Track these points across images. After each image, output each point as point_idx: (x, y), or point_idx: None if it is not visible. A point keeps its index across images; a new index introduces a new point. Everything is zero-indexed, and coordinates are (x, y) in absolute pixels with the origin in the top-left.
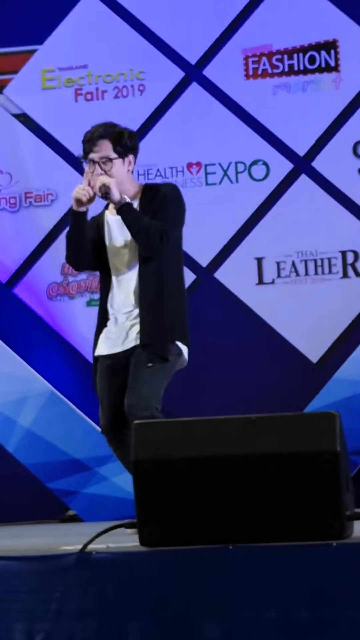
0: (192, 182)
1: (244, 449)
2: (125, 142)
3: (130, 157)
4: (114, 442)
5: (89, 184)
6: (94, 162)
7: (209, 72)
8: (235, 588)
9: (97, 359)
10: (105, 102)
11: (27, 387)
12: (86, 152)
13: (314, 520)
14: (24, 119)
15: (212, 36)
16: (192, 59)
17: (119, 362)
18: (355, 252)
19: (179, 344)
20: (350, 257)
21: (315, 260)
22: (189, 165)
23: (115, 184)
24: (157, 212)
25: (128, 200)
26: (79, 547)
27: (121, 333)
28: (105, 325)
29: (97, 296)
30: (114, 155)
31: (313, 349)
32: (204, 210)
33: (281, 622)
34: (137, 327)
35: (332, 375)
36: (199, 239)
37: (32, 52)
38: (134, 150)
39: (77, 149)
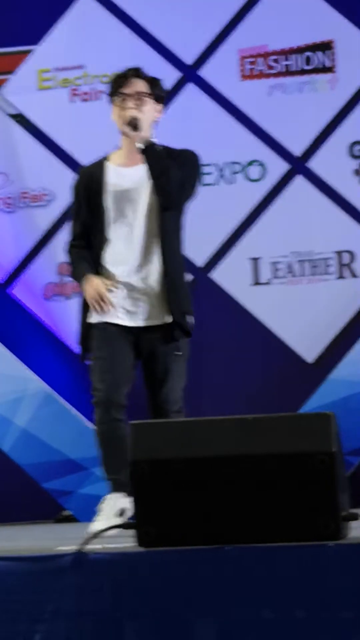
0: None
1: (240, 450)
2: (161, 88)
3: (160, 106)
4: (108, 416)
5: (117, 117)
6: (125, 97)
7: (205, 72)
8: (231, 588)
9: (98, 325)
10: (101, 103)
11: (23, 387)
12: (116, 87)
13: (309, 521)
14: (20, 119)
15: (208, 37)
16: (188, 60)
17: (133, 337)
18: (351, 253)
19: (190, 316)
20: (346, 258)
21: (311, 261)
22: None
23: (147, 121)
24: (179, 165)
25: (154, 139)
26: (75, 547)
27: (142, 305)
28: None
29: None
30: (148, 92)
31: (309, 349)
32: (199, 211)
33: (277, 623)
34: (163, 300)
35: (328, 376)
36: (195, 240)
37: (28, 52)
38: (164, 103)
39: (73, 149)
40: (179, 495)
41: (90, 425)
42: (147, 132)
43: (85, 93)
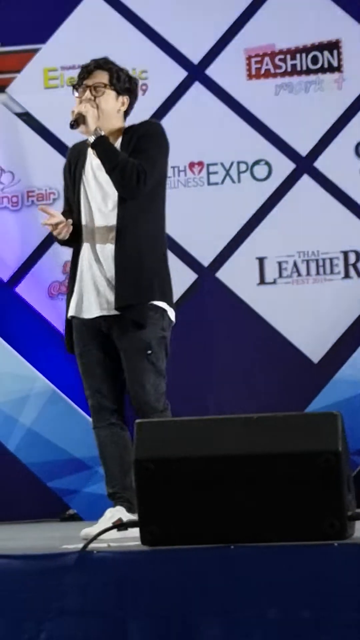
0: (194, 182)
1: (245, 449)
2: (124, 80)
3: (125, 97)
4: (104, 421)
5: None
6: (85, 88)
7: (211, 71)
8: (236, 588)
9: (73, 322)
10: None
11: (28, 386)
12: (79, 80)
13: (315, 520)
14: (27, 117)
15: (215, 36)
16: (195, 59)
17: (98, 327)
18: (357, 253)
19: (159, 303)
20: (352, 258)
21: (317, 261)
22: (191, 165)
23: (94, 115)
24: (136, 150)
25: (103, 133)
26: (80, 546)
27: (101, 295)
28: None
29: None
30: (106, 83)
31: (314, 349)
32: (205, 210)
33: (282, 623)
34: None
35: (334, 375)
36: (201, 239)
37: (35, 51)
38: (131, 94)
39: None
40: (183, 494)
41: None
42: (93, 125)
43: None
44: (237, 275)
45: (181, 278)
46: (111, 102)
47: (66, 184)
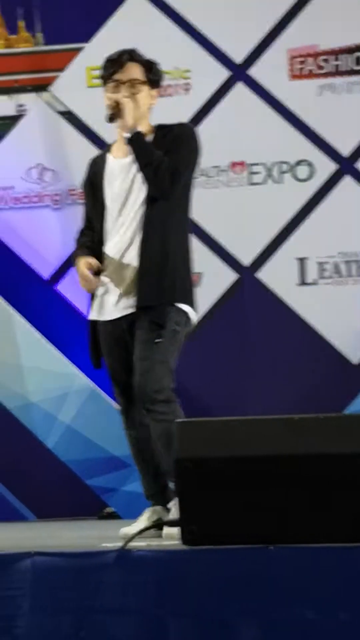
0: (236, 182)
1: (286, 449)
2: (156, 71)
3: (155, 91)
4: (129, 421)
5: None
6: (119, 84)
7: (254, 71)
8: (275, 589)
9: (95, 323)
10: None
11: (67, 384)
12: (110, 73)
13: (355, 522)
14: (69, 116)
15: (258, 36)
16: (238, 59)
17: (120, 328)
18: None
19: (181, 305)
20: None
21: (358, 262)
22: (233, 165)
23: (132, 109)
24: (169, 152)
25: (140, 129)
26: (119, 544)
27: (125, 297)
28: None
29: None
30: (143, 78)
31: (354, 350)
32: (247, 210)
33: (321, 624)
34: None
35: None
36: (242, 238)
37: (79, 50)
38: (159, 87)
39: None
40: (224, 494)
41: None
42: (131, 120)
43: None
44: (277, 276)
45: (222, 278)
46: (146, 98)
47: (87, 198)
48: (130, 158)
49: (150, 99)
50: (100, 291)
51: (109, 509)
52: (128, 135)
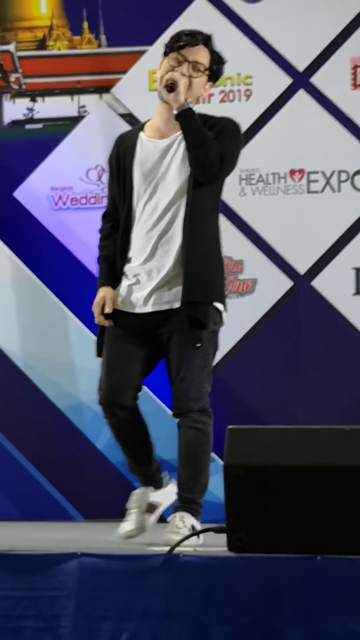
0: (294, 189)
1: (336, 460)
2: (220, 67)
3: (209, 84)
4: (114, 416)
5: (159, 77)
6: (182, 60)
7: (316, 79)
8: (321, 599)
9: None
10: (211, 106)
11: None
12: (180, 45)
13: None
14: (130, 118)
15: (321, 44)
16: (300, 66)
17: (151, 325)
18: None
19: (219, 305)
20: None
21: None
22: (292, 172)
23: (186, 86)
24: (217, 140)
25: (192, 106)
26: (166, 548)
27: (159, 289)
28: (123, 272)
29: None
30: (207, 66)
31: None
32: (304, 218)
33: None
34: (177, 284)
35: None
36: (298, 246)
37: (142, 52)
38: (215, 82)
39: None
40: (272, 502)
41: None
42: (183, 96)
43: None
44: (332, 285)
45: (276, 285)
46: (201, 86)
47: (112, 178)
48: (167, 141)
49: (204, 90)
50: (127, 280)
51: None
52: (180, 109)
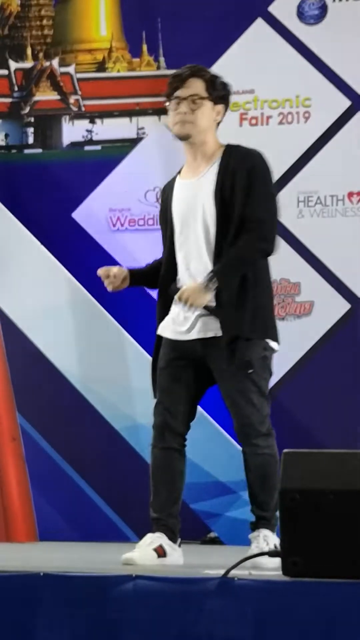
0: (352, 212)
1: None
2: (219, 87)
3: (220, 107)
4: (163, 442)
5: (171, 124)
6: (180, 100)
7: None
8: None
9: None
10: (269, 128)
11: None
12: (172, 90)
13: None
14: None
15: None
16: (359, 88)
17: (196, 352)
18: None
19: (266, 341)
20: None
21: None
22: (350, 195)
23: (196, 295)
24: (249, 195)
25: (215, 285)
26: (221, 571)
27: (202, 318)
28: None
29: None
30: (204, 94)
31: None
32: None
33: None
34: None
35: None
36: (356, 269)
37: None
38: (225, 102)
39: None
40: (328, 527)
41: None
42: (204, 301)
43: (254, 118)
44: None
45: (334, 307)
46: (207, 114)
47: (161, 226)
48: (197, 178)
49: (216, 114)
50: (175, 308)
51: (212, 534)
52: (212, 291)
